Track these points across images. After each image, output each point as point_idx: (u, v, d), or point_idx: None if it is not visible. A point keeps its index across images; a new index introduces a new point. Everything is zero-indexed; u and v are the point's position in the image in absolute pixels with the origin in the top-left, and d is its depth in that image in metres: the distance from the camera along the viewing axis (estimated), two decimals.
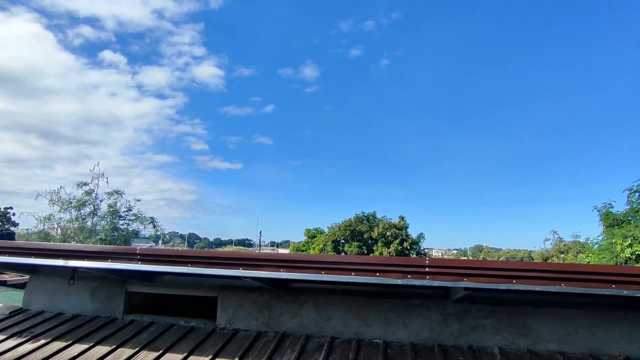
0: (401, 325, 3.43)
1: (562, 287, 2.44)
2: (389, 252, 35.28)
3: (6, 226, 39.73)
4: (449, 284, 2.56)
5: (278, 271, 2.81)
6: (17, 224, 38.38)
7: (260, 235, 59.10)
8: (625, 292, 2.41)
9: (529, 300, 3.27)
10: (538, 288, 2.49)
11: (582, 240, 24.00)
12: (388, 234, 36.67)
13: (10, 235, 37.41)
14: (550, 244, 25.85)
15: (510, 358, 3.12)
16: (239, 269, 2.89)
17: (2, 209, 41.09)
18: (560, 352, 3.18)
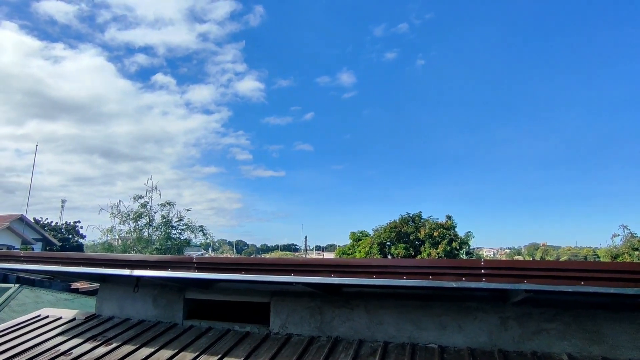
0: (457, 329, 3.32)
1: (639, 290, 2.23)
2: (437, 253, 34.19)
3: (75, 238, 43.47)
4: (508, 286, 2.44)
5: (329, 276, 2.84)
6: (85, 236, 41.96)
7: (306, 240, 59.67)
8: None
9: (600, 304, 3.02)
10: (612, 290, 2.30)
11: None
12: (435, 234, 35.58)
13: (79, 246, 40.90)
14: (620, 240, 23.50)
15: None
16: (290, 275, 2.95)
17: (71, 223, 45.07)
18: None
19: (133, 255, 4.55)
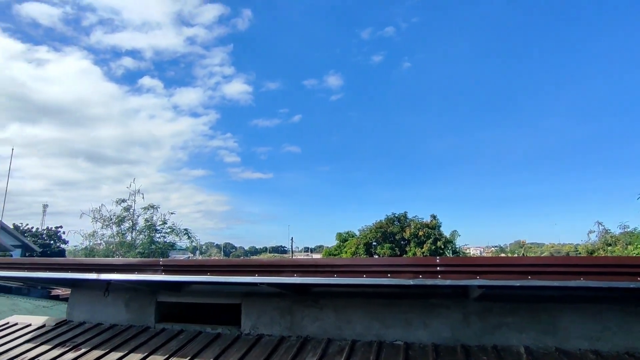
0: (421, 326, 3.40)
1: (581, 282, 2.34)
2: (422, 252, 34.60)
3: (57, 244, 42.47)
4: (462, 283, 2.52)
5: (292, 276, 2.88)
6: (67, 242, 41.00)
7: (292, 241, 59.66)
8: None
9: (554, 297, 3.15)
10: (556, 284, 2.41)
11: (631, 230, 22.37)
12: (420, 233, 36.00)
13: (61, 252, 39.98)
14: (596, 236, 24.21)
15: (538, 357, 3.01)
16: (255, 276, 2.98)
17: (53, 229, 44.01)
18: (593, 350, 3.03)
19: (100, 259, 4.51)
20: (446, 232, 38.62)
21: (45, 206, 55.64)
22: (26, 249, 34.92)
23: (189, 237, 21.36)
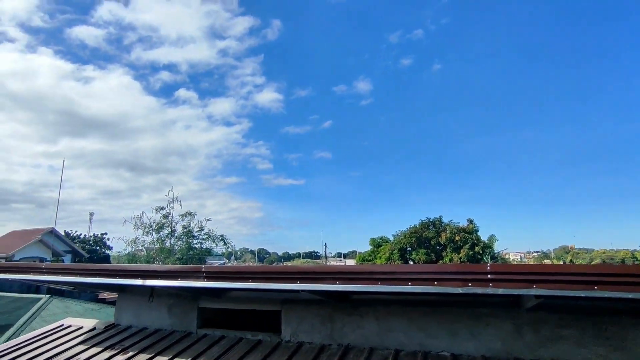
0: (469, 337, 3.22)
1: None
2: (460, 257, 33.44)
3: (102, 249, 44.89)
4: (516, 292, 2.36)
5: (334, 284, 2.82)
6: (112, 247, 43.27)
7: (326, 247, 59.54)
8: None
9: (623, 309, 2.88)
10: (630, 295, 2.18)
11: None
12: (457, 238, 34.84)
13: (106, 258, 42.21)
14: None
15: None
16: (296, 283, 2.95)
17: (99, 235, 46.60)
18: None
19: (145, 266, 4.66)
20: (483, 236, 37.17)
21: (91, 214, 59.16)
22: (75, 254, 37.16)
23: (225, 243, 21.84)
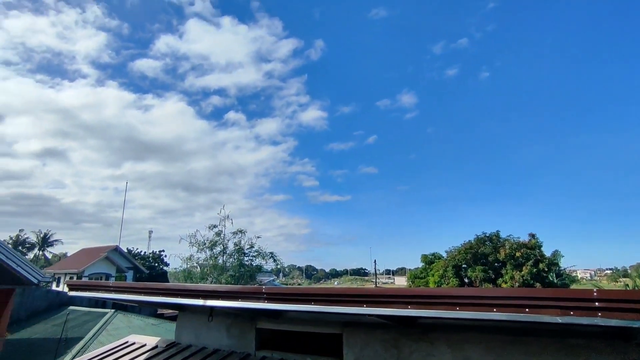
0: None
1: None
2: (522, 275, 31.00)
3: (160, 266, 47.31)
4: (635, 325, 1.97)
5: (406, 308, 2.57)
6: (168, 264, 45.47)
7: (375, 264, 58.11)
8: None
9: None
10: None
11: None
12: (517, 254, 32.39)
13: (164, 274, 44.39)
14: None
15: None
16: (363, 307, 2.74)
17: (157, 252, 49.26)
18: None
19: (206, 286, 4.66)
20: (546, 252, 34.23)
21: (150, 232, 62.90)
22: (136, 270, 39.44)
23: (275, 260, 21.98)
